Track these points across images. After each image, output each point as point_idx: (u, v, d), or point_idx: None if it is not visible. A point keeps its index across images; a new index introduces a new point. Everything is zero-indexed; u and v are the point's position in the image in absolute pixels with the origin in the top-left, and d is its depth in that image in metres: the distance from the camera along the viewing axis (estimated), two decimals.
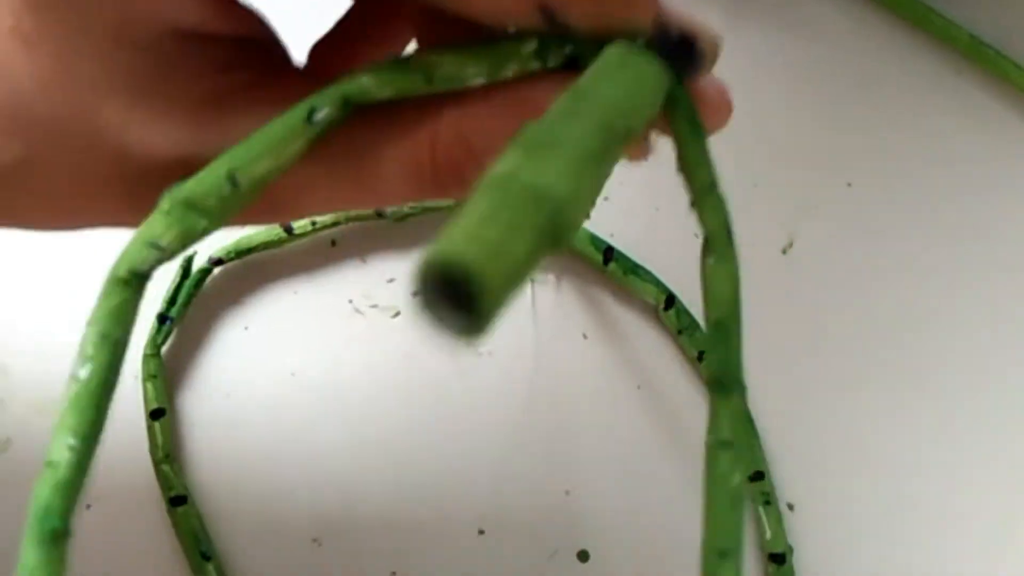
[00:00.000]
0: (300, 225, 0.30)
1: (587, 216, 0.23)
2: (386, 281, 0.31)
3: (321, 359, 0.30)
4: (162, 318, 0.29)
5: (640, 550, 0.29)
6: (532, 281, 0.31)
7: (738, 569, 0.15)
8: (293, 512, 0.30)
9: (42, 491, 0.14)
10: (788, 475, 0.30)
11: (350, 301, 0.31)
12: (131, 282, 0.15)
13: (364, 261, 0.31)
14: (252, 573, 0.29)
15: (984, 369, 0.31)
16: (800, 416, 0.30)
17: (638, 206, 0.32)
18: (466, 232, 0.10)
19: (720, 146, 0.34)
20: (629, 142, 0.14)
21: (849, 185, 0.32)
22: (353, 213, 0.30)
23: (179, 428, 0.29)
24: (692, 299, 0.30)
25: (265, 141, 0.15)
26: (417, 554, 0.29)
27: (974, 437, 0.30)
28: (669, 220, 0.31)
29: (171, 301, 0.29)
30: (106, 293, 0.15)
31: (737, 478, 0.15)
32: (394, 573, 0.29)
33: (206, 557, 0.28)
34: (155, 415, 0.29)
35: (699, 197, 0.16)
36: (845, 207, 0.32)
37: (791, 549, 0.28)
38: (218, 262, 0.30)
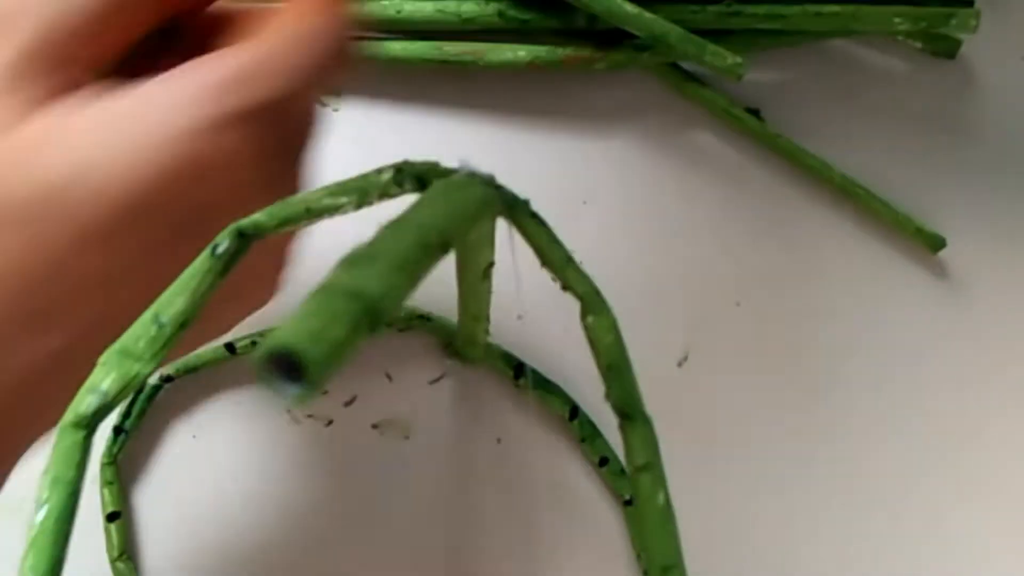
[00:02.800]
0: (242, 344, 0.34)
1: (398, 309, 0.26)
2: (320, 393, 0.34)
3: (262, 464, 0.34)
4: (117, 430, 0.33)
5: None
6: (453, 393, 0.35)
7: None
8: None
9: None
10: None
11: (287, 411, 0.34)
12: (79, 425, 0.17)
13: None
14: None
15: (877, 474, 0.35)
16: (694, 522, 0.34)
17: (550, 329, 0.35)
18: (295, 324, 0.13)
19: (617, 265, 0.38)
20: (446, 251, 0.16)
21: (738, 304, 0.36)
22: None
23: (133, 529, 0.33)
24: (595, 412, 0.34)
25: (179, 282, 0.18)
26: None
27: (874, 541, 0.34)
28: (576, 342, 0.35)
29: (126, 414, 0.33)
30: (58, 439, 0.17)
31: (662, 496, 0.17)
32: None
33: None
34: (111, 518, 0.32)
35: (561, 273, 0.19)
36: (736, 325, 0.36)
37: None
38: (168, 379, 0.33)
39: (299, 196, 0.19)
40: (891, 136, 0.37)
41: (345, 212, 0.19)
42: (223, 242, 0.18)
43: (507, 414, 0.35)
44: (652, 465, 0.18)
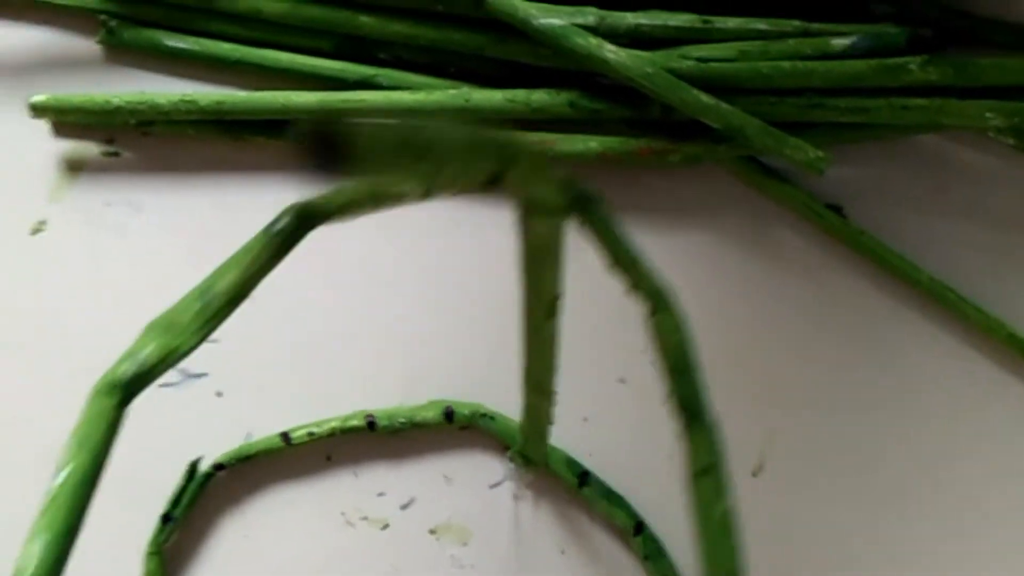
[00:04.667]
0: (297, 436, 0.32)
1: None
2: (376, 495, 0.33)
3: (313, 565, 0.32)
4: (165, 518, 0.32)
5: None
6: (515, 498, 0.33)
7: None
8: None
9: None
10: None
11: (342, 513, 0.33)
12: (112, 392, 0.16)
13: (356, 475, 0.33)
14: None
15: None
16: None
17: (617, 433, 0.34)
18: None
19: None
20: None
21: (820, 413, 0.34)
22: (347, 425, 0.33)
23: None
24: (662, 527, 0.32)
25: (233, 257, 0.17)
26: None
27: None
28: (645, 448, 0.33)
29: (175, 502, 0.32)
30: (89, 403, 0.16)
31: (722, 504, 0.16)
32: None
33: None
34: None
35: (629, 271, 0.18)
36: (818, 434, 0.34)
37: None
38: (220, 467, 0.32)
39: (365, 181, 0.18)
40: (981, 236, 0.35)
41: (410, 202, 0.18)
42: (282, 220, 0.17)
43: (570, 524, 0.33)
44: (714, 469, 0.16)
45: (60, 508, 0.16)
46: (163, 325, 0.17)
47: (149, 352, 0.17)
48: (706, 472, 0.17)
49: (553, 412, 0.29)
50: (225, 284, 0.17)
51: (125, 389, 0.16)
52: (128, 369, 0.16)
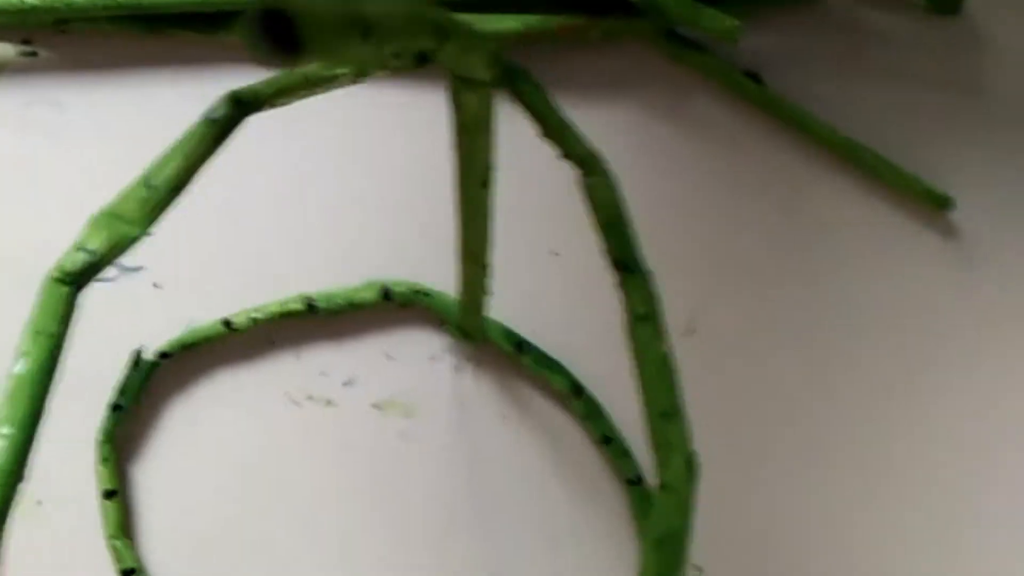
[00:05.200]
0: (239, 321, 0.33)
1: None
2: (319, 374, 0.34)
3: (261, 444, 0.33)
4: (114, 407, 0.32)
5: None
6: (455, 371, 0.34)
7: (683, 428, 0.17)
8: None
9: None
10: (697, 539, 0.33)
11: (287, 393, 0.34)
12: (65, 281, 0.17)
13: (298, 357, 0.34)
14: None
15: (884, 436, 0.34)
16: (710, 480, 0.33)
17: (551, 304, 0.35)
18: None
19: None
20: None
21: (742, 273, 0.35)
22: (288, 308, 0.33)
23: (130, 507, 0.32)
24: (598, 391, 0.33)
25: (172, 147, 0.18)
26: None
27: (877, 504, 0.33)
28: (578, 317, 0.34)
29: (122, 391, 0.32)
30: (42, 294, 0.17)
31: (661, 345, 0.18)
32: None
33: None
34: (107, 495, 0.32)
35: (560, 137, 0.19)
36: (741, 294, 0.35)
37: None
38: (165, 355, 0.33)
39: (298, 68, 0.18)
40: (895, 97, 0.36)
41: (342, 85, 0.18)
42: (219, 108, 0.18)
43: (510, 392, 0.34)
44: (652, 315, 0.18)
45: (22, 397, 0.16)
46: (110, 216, 0.17)
47: (99, 243, 0.17)
48: (644, 319, 0.18)
49: (489, 283, 0.30)
50: (168, 173, 0.17)
51: (78, 278, 0.17)
52: (80, 259, 0.17)
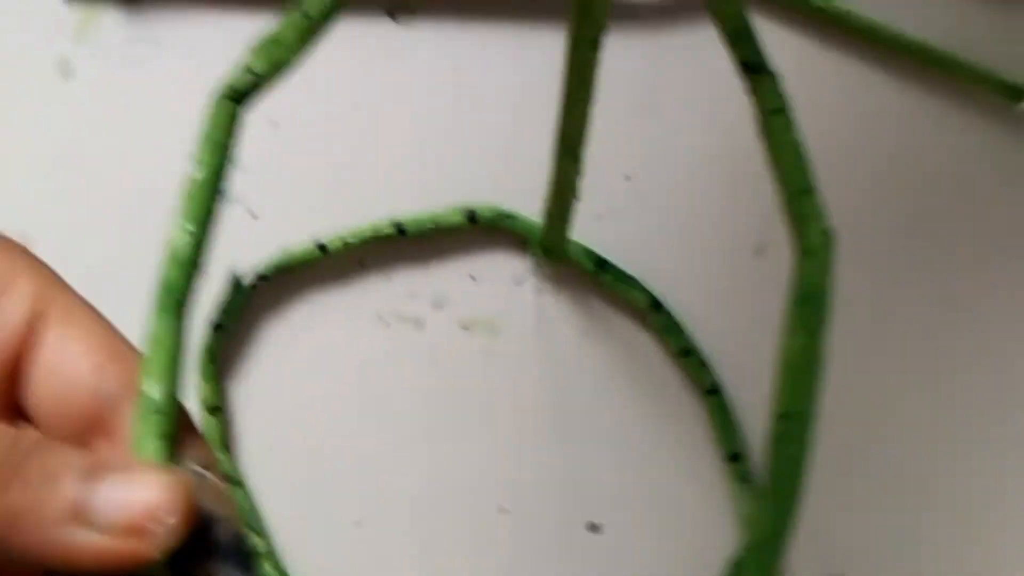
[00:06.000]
0: (332, 245, 0.35)
1: None
2: (408, 296, 0.35)
3: (353, 363, 0.35)
4: (216, 326, 0.34)
5: (646, 520, 0.33)
6: (537, 291, 0.36)
7: (818, 202, 0.18)
8: (336, 498, 0.34)
9: (165, 270, 0.18)
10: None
11: (378, 314, 0.35)
12: (233, 97, 0.18)
13: (389, 279, 0.35)
14: (300, 551, 0.33)
15: (974, 364, 0.35)
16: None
17: (630, 224, 0.36)
18: None
19: (690, 158, 0.38)
20: None
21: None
22: (378, 232, 0.35)
23: (232, 423, 0.34)
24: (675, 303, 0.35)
25: None
26: (445, 532, 0.34)
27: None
28: (656, 240, 0.36)
29: (224, 311, 0.34)
30: (213, 110, 0.18)
31: (795, 132, 0.19)
32: (424, 550, 0.34)
33: (258, 535, 0.32)
34: (211, 411, 0.34)
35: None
36: None
37: None
38: (263, 278, 0.35)
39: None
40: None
41: None
42: None
43: (590, 310, 0.36)
44: (783, 108, 0.19)
45: (201, 198, 0.18)
46: (269, 42, 0.19)
47: (261, 65, 0.19)
48: (776, 112, 0.19)
49: (580, 186, 0.30)
50: (322, 5, 0.19)
51: (243, 95, 0.18)
52: (245, 79, 0.18)
